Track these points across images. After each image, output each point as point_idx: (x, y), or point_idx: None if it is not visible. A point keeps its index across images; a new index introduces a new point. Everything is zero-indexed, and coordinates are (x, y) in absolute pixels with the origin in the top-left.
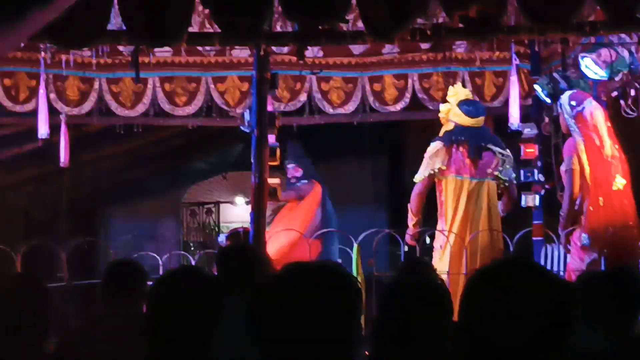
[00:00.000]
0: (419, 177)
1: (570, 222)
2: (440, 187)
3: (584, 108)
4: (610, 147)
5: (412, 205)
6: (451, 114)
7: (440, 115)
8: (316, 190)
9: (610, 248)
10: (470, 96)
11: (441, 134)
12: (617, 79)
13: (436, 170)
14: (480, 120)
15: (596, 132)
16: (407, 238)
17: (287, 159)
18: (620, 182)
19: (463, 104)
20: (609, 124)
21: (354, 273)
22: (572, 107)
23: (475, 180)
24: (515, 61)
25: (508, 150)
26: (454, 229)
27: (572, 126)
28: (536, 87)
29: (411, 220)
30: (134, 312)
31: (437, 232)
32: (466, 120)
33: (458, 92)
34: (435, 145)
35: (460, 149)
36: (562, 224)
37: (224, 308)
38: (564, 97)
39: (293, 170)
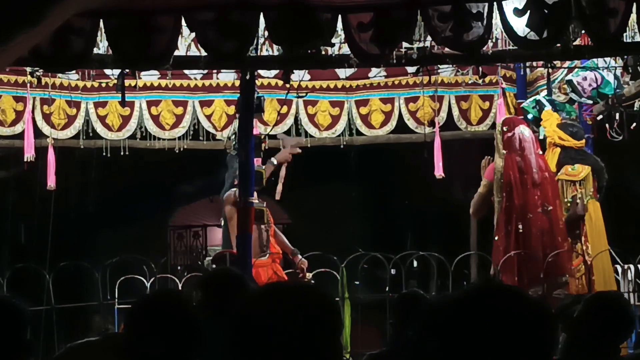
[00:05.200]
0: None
1: None
2: None
3: (514, 134)
4: (537, 173)
5: None
6: (556, 138)
7: (549, 140)
8: None
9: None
10: (560, 119)
11: (555, 158)
12: (602, 102)
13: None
14: (584, 142)
15: (523, 158)
16: None
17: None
18: (546, 209)
19: (562, 127)
20: (540, 152)
21: (340, 295)
22: (503, 131)
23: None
24: (503, 85)
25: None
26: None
27: (499, 150)
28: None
29: None
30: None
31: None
32: (575, 143)
33: (552, 116)
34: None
35: None
36: None
37: (203, 332)
38: (498, 121)
39: None
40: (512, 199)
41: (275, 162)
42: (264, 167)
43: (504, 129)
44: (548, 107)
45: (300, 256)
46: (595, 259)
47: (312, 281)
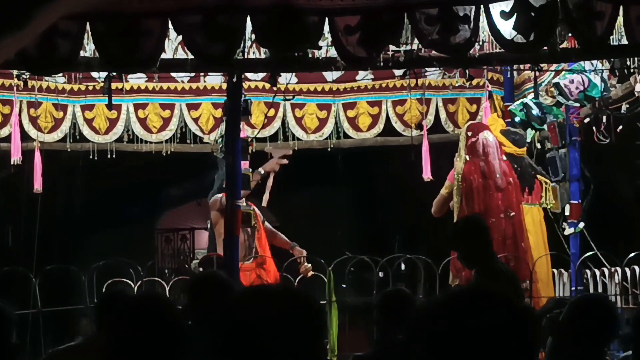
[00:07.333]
0: None
1: None
2: None
3: (478, 139)
4: (500, 178)
5: None
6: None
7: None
8: None
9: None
10: (505, 125)
11: None
12: (589, 105)
13: None
14: (525, 150)
15: (487, 163)
16: None
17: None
18: (509, 214)
19: (505, 134)
20: (504, 157)
21: (328, 298)
22: (467, 136)
23: (528, 206)
24: (488, 87)
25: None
26: None
27: (461, 155)
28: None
29: None
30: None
31: None
32: (516, 150)
33: (497, 122)
34: None
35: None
36: None
37: (187, 335)
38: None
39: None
40: (472, 204)
41: (262, 172)
42: (251, 170)
43: (468, 134)
44: (535, 110)
45: (298, 247)
46: (535, 263)
47: (311, 269)
